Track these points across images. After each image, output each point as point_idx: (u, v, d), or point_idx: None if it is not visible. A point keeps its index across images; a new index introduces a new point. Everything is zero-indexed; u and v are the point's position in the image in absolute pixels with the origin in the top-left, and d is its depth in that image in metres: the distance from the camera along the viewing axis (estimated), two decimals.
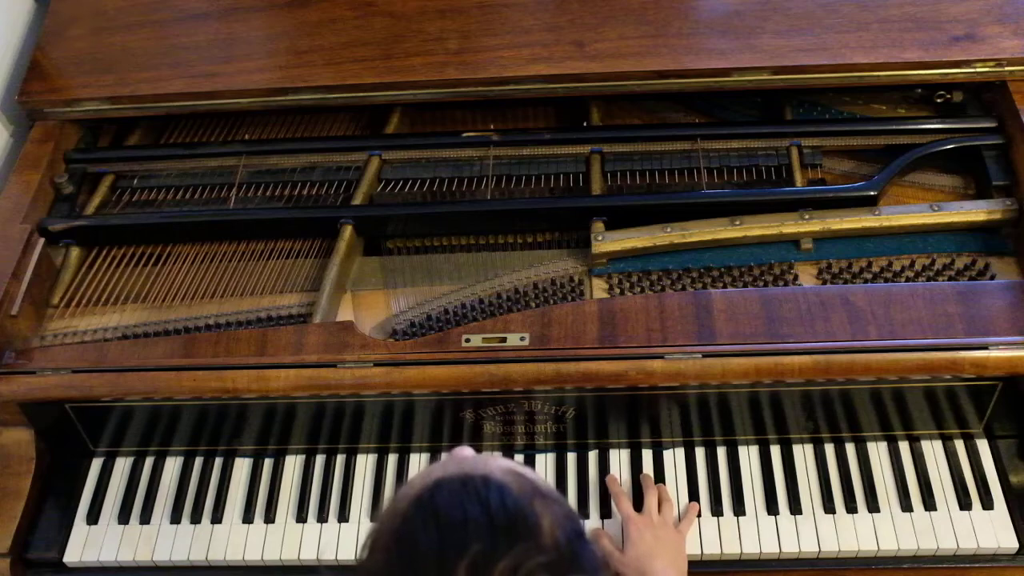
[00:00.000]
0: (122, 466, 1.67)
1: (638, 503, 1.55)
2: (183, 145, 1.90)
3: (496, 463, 1.01)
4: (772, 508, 1.55)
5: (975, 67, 1.71)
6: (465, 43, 1.80)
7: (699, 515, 1.55)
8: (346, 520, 1.59)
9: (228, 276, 1.72)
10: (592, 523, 1.56)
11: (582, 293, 1.64)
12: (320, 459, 1.65)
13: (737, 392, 1.53)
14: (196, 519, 1.61)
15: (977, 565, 1.51)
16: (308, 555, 1.56)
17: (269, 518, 1.60)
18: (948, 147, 1.72)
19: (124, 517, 1.62)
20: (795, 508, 1.54)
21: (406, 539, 0.93)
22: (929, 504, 1.53)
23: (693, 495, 1.57)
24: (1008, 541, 1.50)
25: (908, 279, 1.60)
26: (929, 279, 1.60)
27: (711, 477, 1.58)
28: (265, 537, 1.58)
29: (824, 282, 1.61)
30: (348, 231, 1.70)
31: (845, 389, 1.52)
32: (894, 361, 1.47)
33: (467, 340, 1.52)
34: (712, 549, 1.52)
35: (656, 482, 1.58)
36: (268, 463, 1.65)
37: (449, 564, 0.89)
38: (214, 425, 1.63)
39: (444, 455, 1.05)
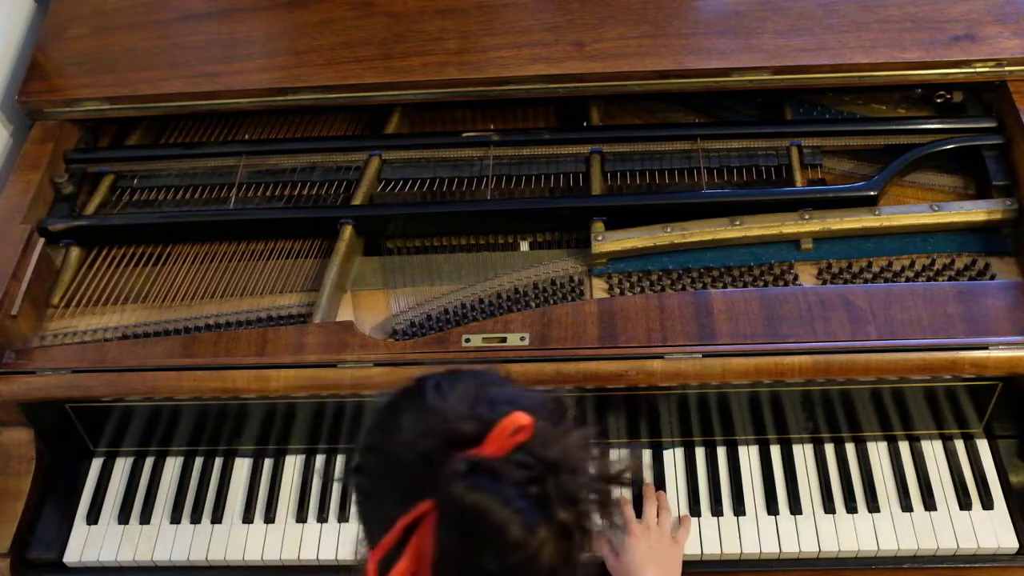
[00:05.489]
0: (122, 466, 1.67)
1: (636, 502, 1.55)
2: (183, 145, 1.90)
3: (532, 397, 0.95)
4: (772, 508, 1.55)
5: (975, 67, 1.71)
6: (465, 43, 1.80)
7: (699, 516, 1.55)
8: (346, 520, 1.59)
9: (228, 276, 1.72)
10: None
11: (582, 293, 1.64)
12: (320, 459, 1.65)
13: (737, 392, 1.53)
14: (196, 519, 1.61)
15: (977, 565, 1.51)
16: (308, 555, 1.56)
17: (269, 518, 1.60)
18: (948, 147, 1.72)
19: (124, 517, 1.62)
20: (795, 508, 1.54)
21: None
22: (929, 504, 1.53)
23: (693, 495, 1.57)
24: (1008, 541, 1.50)
25: (908, 279, 1.60)
26: (929, 279, 1.60)
27: (711, 477, 1.58)
28: (265, 537, 1.58)
29: (824, 282, 1.61)
30: (348, 231, 1.70)
31: (845, 389, 1.52)
32: (894, 361, 1.46)
33: (467, 340, 1.52)
34: (712, 549, 1.52)
35: (656, 482, 1.58)
36: (268, 463, 1.65)
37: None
38: (214, 425, 1.63)
39: None
